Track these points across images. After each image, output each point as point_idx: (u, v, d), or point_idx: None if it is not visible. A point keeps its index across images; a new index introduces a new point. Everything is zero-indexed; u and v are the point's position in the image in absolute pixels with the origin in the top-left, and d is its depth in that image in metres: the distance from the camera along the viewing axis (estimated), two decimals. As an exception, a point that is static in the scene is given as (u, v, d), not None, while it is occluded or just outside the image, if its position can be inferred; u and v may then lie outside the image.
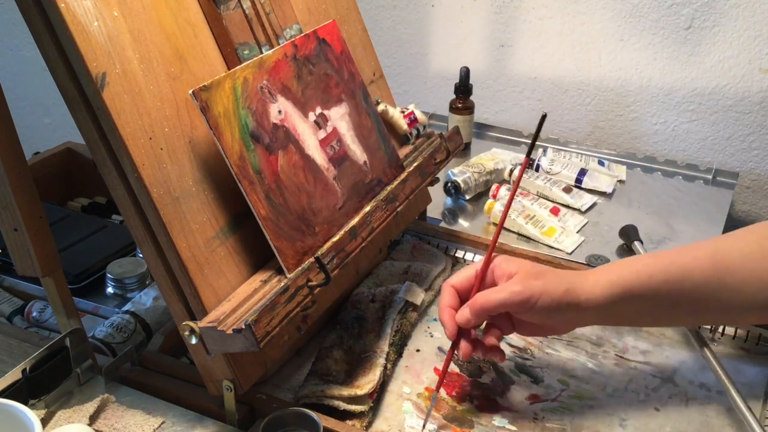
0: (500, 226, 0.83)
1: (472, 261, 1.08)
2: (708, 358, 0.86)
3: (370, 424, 0.81)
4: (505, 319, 0.80)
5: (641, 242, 1.11)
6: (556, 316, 0.77)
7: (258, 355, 0.77)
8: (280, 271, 0.75)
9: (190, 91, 0.70)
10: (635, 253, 1.07)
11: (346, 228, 0.80)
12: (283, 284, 0.71)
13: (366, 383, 0.81)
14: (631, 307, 0.78)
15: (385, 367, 0.85)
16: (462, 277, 0.81)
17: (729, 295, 0.76)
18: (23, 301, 1.02)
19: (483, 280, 0.80)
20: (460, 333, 0.79)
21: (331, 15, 0.95)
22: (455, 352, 0.81)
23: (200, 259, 0.72)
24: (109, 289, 1.05)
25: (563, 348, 0.93)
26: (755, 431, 0.77)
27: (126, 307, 0.97)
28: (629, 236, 1.13)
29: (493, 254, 0.81)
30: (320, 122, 0.82)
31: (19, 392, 0.75)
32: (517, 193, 1.25)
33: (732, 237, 0.80)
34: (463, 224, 1.25)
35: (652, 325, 0.86)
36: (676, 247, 0.80)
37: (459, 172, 1.30)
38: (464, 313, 0.78)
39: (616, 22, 1.42)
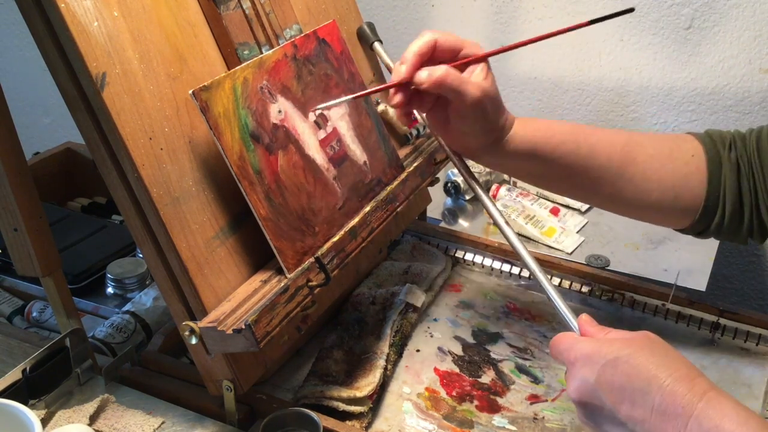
0: (505, 49, 0.78)
1: (472, 261, 1.08)
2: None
3: (369, 425, 0.81)
4: (438, 105, 0.77)
5: (381, 42, 1.00)
6: (473, 136, 0.77)
7: (258, 355, 0.77)
8: (280, 271, 0.75)
9: (190, 91, 0.70)
10: (378, 54, 0.98)
11: (346, 228, 0.80)
12: (283, 284, 0.71)
13: (366, 385, 0.81)
14: (530, 165, 0.81)
15: (385, 369, 0.85)
16: (450, 41, 0.76)
17: (624, 185, 0.81)
18: (23, 301, 1.02)
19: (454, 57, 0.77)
20: (408, 85, 0.74)
21: (331, 15, 0.95)
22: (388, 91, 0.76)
23: (200, 259, 0.72)
24: (109, 289, 1.05)
25: (563, 348, 0.93)
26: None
27: (126, 307, 0.97)
28: (366, 37, 1.01)
29: (476, 44, 0.78)
30: (320, 122, 0.82)
31: (19, 392, 0.75)
32: (517, 193, 1.25)
33: (648, 136, 0.84)
34: (463, 224, 1.25)
35: (542, 187, 0.89)
36: (597, 127, 0.84)
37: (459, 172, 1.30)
38: (422, 73, 0.73)
39: (616, 22, 1.42)
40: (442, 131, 0.81)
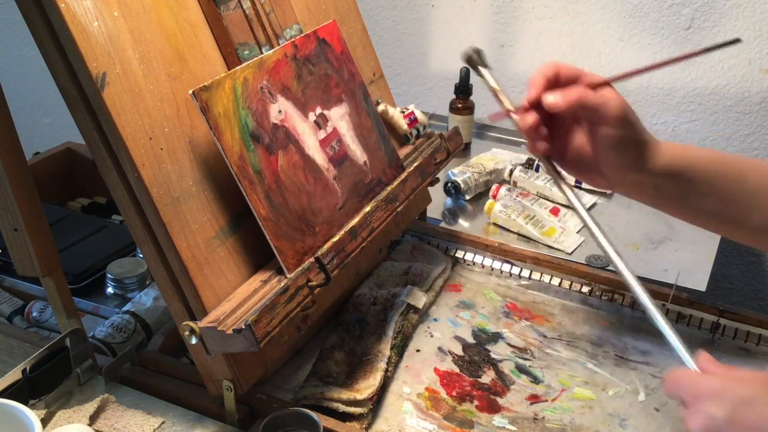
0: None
1: (472, 261, 1.08)
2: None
3: (370, 425, 0.81)
4: (567, 136, 0.76)
5: (489, 68, 0.92)
6: (622, 151, 0.73)
7: (258, 355, 0.77)
8: (280, 271, 0.75)
9: (190, 91, 0.70)
10: (484, 78, 0.91)
11: (346, 228, 0.80)
12: (283, 284, 0.71)
13: (366, 387, 0.81)
14: (681, 186, 0.76)
15: (386, 371, 0.85)
16: (572, 70, 0.74)
17: None
18: (23, 301, 1.02)
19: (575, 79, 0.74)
20: (535, 105, 0.73)
21: (331, 15, 0.95)
22: (514, 114, 0.75)
23: (200, 259, 0.72)
24: (109, 289, 1.05)
25: (563, 348, 0.93)
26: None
27: (126, 307, 0.97)
28: (474, 63, 0.93)
29: (594, 75, 0.75)
30: (320, 122, 0.82)
31: (19, 392, 0.75)
32: (517, 193, 1.25)
33: None
34: (463, 224, 1.25)
35: (682, 214, 0.82)
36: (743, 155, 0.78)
37: (459, 172, 1.30)
38: (556, 96, 0.71)
39: (616, 22, 1.42)
40: (584, 156, 0.76)
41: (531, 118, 0.73)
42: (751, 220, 0.77)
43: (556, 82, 0.74)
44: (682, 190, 0.77)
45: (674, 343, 0.66)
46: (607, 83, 0.74)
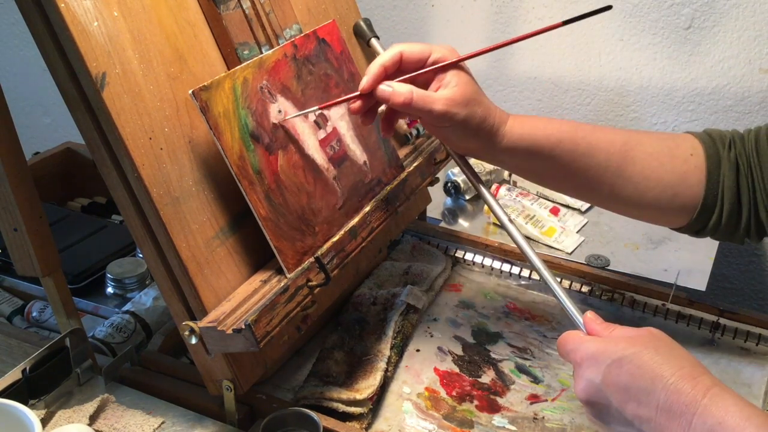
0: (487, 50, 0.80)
1: (472, 261, 1.08)
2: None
3: (370, 425, 0.81)
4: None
5: (378, 38, 0.99)
6: (462, 139, 0.78)
7: (258, 355, 0.77)
8: (280, 271, 0.75)
9: (190, 91, 0.70)
10: (375, 50, 0.98)
11: (346, 228, 0.80)
12: (283, 284, 0.71)
13: (366, 387, 0.81)
14: (529, 163, 0.81)
15: (386, 371, 0.85)
16: (416, 50, 0.77)
17: (623, 183, 0.81)
18: (23, 301, 1.02)
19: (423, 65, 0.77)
20: (368, 97, 0.76)
21: (331, 15, 0.95)
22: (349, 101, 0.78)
23: (200, 259, 0.72)
24: (109, 289, 1.05)
25: (563, 348, 0.93)
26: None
27: (126, 307, 0.97)
28: (363, 34, 1.00)
29: (447, 48, 0.78)
30: (320, 122, 0.82)
31: (19, 392, 0.75)
32: (517, 193, 1.25)
33: (647, 134, 0.85)
34: (463, 224, 1.25)
35: (541, 185, 0.89)
36: (596, 126, 0.84)
37: (459, 172, 1.30)
38: (385, 89, 0.74)
39: (616, 22, 1.42)
40: (436, 135, 0.82)
41: (356, 105, 0.76)
42: (600, 191, 0.82)
43: (397, 68, 0.76)
44: (531, 167, 0.82)
45: (563, 301, 0.69)
46: (452, 65, 0.76)
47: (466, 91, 0.76)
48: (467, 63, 0.80)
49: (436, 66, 0.76)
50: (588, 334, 0.66)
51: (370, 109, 0.77)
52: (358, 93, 0.75)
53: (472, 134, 0.77)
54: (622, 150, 0.81)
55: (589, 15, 0.75)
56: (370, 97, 0.75)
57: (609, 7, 0.75)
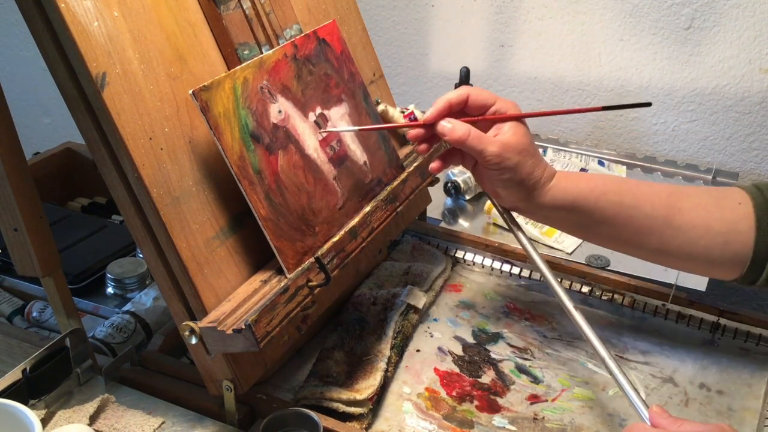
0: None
1: (472, 261, 1.08)
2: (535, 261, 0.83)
3: (370, 425, 0.81)
4: (465, 154, 0.82)
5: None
6: (508, 189, 0.81)
7: (258, 355, 0.77)
8: (280, 271, 0.75)
9: (190, 91, 0.70)
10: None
11: (346, 228, 0.80)
12: (283, 284, 0.71)
13: (366, 387, 0.81)
14: (573, 217, 0.82)
15: (386, 371, 0.85)
16: (482, 96, 0.80)
17: (671, 234, 0.80)
18: (23, 301, 1.02)
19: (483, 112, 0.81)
20: (430, 128, 0.80)
21: (331, 15, 0.95)
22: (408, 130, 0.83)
23: (200, 259, 0.72)
24: (109, 289, 1.05)
25: (563, 348, 0.93)
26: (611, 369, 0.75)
27: (126, 307, 0.97)
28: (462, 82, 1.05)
29: (506, 100, 0.81)
30: (320, 122, 0.82)
31: (19, 392, 0.75)
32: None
33: (693, 187, 0.86)
34: (463, 224, 1.25)
35: (586, 239, 0.90)
36: (640, 180, 0.84)
37: (459, 172, 1.30)
38: (446, 125, 0.78)
39: (616, 22, 1.42)
40: (485, 187, 0.84)
41: (415, 132, 0.81)
42: (649, 244, 0.82)
43: (462, 108, 0.80)
44: (576, 220, 0.83)
45: (628, 393, 0.71)
46: (512, 118, 0.80)
47: (520, 140, 0.79)
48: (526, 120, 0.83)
49: (497, 116, 0.80)
50: (653, 426, 0.66)
51: (427, 139, 0.81)
52: (421, 123, 0.80)
53: (518, 184, 0.80)
54: (668, 201, 0.80)
55: (630, 107, 0.81)
56: (430, 129, 0.80)
57: (649, 104, 0.80)
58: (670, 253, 0.82)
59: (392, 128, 0.91)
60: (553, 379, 0.88)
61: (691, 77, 1.41)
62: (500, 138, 0.78)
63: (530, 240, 0.83)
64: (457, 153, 0.82)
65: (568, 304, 0.78)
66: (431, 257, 1.07)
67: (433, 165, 0.82)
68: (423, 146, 0.82)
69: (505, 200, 0.83)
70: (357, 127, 0.85)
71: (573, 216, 0.82)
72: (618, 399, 0.85)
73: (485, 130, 0.80)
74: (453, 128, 0.77)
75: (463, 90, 0.80)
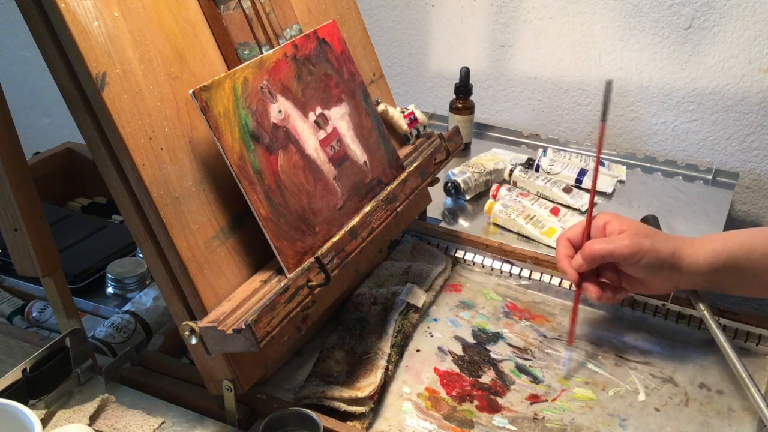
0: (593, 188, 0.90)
1: (472, 261, 1.08)
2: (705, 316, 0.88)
3: (370, 425, 0.81)
4: (613, 270, 0.85)
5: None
6: (659, 274, 0.82)
7: (258, 355, 0.77)
8: (280, 271, 0.75)
9: (190, 91, 0.70)
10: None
11: (346, 228, 0.80)
12: (283, 284, 0.71)
13: (367, 385, 0.81)
14: (731, 276, 0.83)
15: (387, 369, 0.85)
16: (575, 231, 0.87)
17: None
18: (23, 301, 1.02)
19: (589, 233, 0.86)
20: (582, 278, 0.85)
21: (331, 15, 0.95)
22: (581, 294, 0.87)
23: (200, 259, 0.72)
24: (109, 289, 1.05)
25: (563, 348, 0.93)
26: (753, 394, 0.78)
27: (126, 307, 0.97)
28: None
29: (602, 213, 0.87)
30: (320, 122, 0.82)
31: (19, 392, 0.75)
32: (517, 193, 1.25)
33: None
34: (463, 224, 1.25)
35: (749, 294, 0.90)
36: None
37: (459, 172, 1.30)
38: (577, 260, 0.84)
39: (616, 22, 1.42)
40: (632, 287, 0.86)
41: (594, 288, 0.85)
42: None
43: (574, 248, 0.86)
44: (732, 280, 0.84)
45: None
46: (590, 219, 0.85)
47: (633, 225, 0.83)
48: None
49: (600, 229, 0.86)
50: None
51: (586, 279, 0.85)
52: (577, 283, 0.86)
53: (653, 271, 0.82)
54: None
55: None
56: (583, 277, 0.85)
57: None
58: None
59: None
60: (553, 379, 0.88)
61: (691, 77, 1.41)
62: (615, 232, 0.83)
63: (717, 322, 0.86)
64: (608, 271, 0.85)
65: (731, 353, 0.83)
66: (431, 257, 1.07)
67: (596, 296, 0.85)
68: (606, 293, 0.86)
69: (659, 287, 0.85)
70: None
71: (731, 275, 0.83)
72: (618, 399, 0.85)
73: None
74: (580, 262, 0.84)
75: (564, 242, 0.87)
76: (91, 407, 0.79)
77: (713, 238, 0.84)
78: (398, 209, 0.88)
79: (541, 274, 1.04)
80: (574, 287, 0.86)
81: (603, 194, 1.31)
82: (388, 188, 0.87)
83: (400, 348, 0.90)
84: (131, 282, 1.05)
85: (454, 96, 1.44)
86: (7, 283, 1.06)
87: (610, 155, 1.45)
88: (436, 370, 0.89)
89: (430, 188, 1.05)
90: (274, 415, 0.74)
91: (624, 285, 0.86)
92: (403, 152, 0.97)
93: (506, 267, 1.06)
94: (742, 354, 0.93)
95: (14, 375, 0.75)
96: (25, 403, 0.73)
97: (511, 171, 1.32)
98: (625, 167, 1.41)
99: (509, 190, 1.26)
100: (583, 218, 1.12)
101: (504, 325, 0.97)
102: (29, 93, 2.01)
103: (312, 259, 0.75)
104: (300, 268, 0.74)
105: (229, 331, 0.66)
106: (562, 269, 0.86)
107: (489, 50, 1.57)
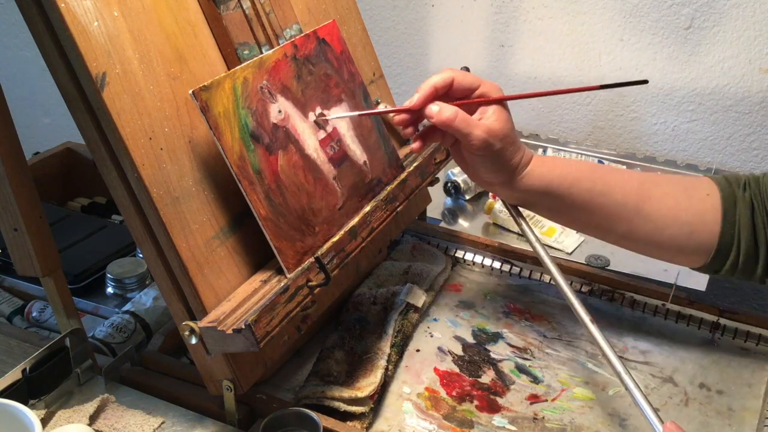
0: None
1: (472, 261, 1.08)
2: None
3: (370, 425, 0.81)
4: (445, 133, 0.82)
5: None
6: (488, 172, 0.82)
7: (258, 355, 0.77)
8: (280, 271, 0.75)
9: (190, 91, 0.70)
10: None
11: (346, 228, 0.80)
12: (283, 284, 0.71)
13: (367, 385, 0.81)
14: (546, 200, 0.84)
15: (387, 369, 0.85)
16: (467, 81, 0.81)
17: (640, 222, 0.82)
18: (23, 301, 1.02)
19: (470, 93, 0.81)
20: (415, 112, 0.80)
21: (331, 15, 0.95)
22: (392, 116, 0.82)
23: (200, 259, 0.72)
24: (109, 289, 1.05)
25: (563, 348, 0.93)
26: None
27: (126, 307, 0.97)
28: None
29: (490, 83, 0.82)
30: (320, 122, 0.82)
31: (19, 392, 0.75)
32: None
33: (664, 176, 0.88)
34: (463, 224, 1.25)
35: (559, 222, 0.92)
36: (613, 167, 0.85)
37: (459, 172, 1.30)
38: (437, 110, 0.78)
39: (616, 22, 1.42)
40: (462, 165, 0.85)
41: (401, 117, 0.80)
42: (618, 230, 0.84)
43: (447, 92, 0.80)
44: (549, 205, 0.85)
45: (642, 407, 0.72)
46: (498, 101, 0.81)
47: (504, 126, 0.80)
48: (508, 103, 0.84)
49: (483, 100, 0.80)
50: None
51: (412, 123, 0.81)
52: (407, 107, 0.80)
53: (499, 168, 0.81)
54: (638, 189, 0.82)
55: (626, 84, 0.81)
56: (416, 113, 0.80)
57: (645, 81, 0.81)
58: (638, 240, 0.84)
59: (383, 114, 0.91)
60: (553, 379, 0.88)
61: (691, 77, 1.41)
62: (485, 123, 0.79)
63: (533, 230, 0.85)
64: (437, 131, 0.82)
65: (577, 306, 0.80)
66: (431, 257, 1.07)
67: (414, 145, 0.82)
68: (409, 130, 0.81)
69: (481, 180, 0.84)
70: (350, 113, 0.86)
71: (546, 201, 0.84)
72: (618, 399, 0.85)
73: (470, 113, 0.80)
74: (440, 111, 0.78)
75: (448, 73, 0.80)
76: (91, 407, 0.79)
77: (548, 162, 0.84)
78: (398, 209, 0.88)
79: (541, 274, 1.04)
80: (408, 103, 0.80)
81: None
82: (388, 188, 0.87)
83: (400, 348, 0.90)
84: (131, 282, 1.05)
85: (454, 96, 1.44)
86: (7, 283, 1.06)
87: (609, 155, 1.45)
88: (436, 370, 0.89)
89: (429, 188, 1.05)
90: (274, 415, 0.74)
91: (452, 154, 0.85)
92: (403, 152, 0.97)
93: (506, 267, 1.06)
94: (742, 354, 0.93)
95: (14, 375, 0.75)
96: (25, 403, 0.73)
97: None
98: (625, 167, 1.41)
99: (509, 190, 1.26)
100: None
101: (504, 325, 0.97)
102: (29, 93, 2.01)
103: (312, 259, 0.75)
104: (300, 268, 0.74)
105: (229, 331, 0.66)
106: (422, 89, 0.79)
107: (489, 50, 1.57)
